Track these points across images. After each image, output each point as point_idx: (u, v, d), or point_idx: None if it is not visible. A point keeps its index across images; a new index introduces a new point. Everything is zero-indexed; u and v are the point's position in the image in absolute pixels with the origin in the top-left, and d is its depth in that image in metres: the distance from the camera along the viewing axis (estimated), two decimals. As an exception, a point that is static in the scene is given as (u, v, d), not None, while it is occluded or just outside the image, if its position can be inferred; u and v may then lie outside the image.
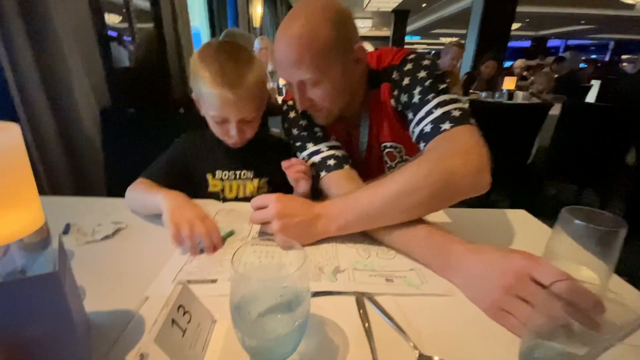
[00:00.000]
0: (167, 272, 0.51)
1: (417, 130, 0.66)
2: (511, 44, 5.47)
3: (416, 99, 0.66)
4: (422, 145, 0.65)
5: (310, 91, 0.69)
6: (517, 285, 0.40)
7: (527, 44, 14.28)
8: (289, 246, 0.44)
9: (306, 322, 0.35)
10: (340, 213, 0.57)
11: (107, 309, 0.44)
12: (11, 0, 0.94)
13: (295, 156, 0.79)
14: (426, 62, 0.69)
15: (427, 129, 0.63)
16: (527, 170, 2.22)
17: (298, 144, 0.79)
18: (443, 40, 16.52)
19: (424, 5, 9.80)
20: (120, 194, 0.78)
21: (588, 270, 0.40)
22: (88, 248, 0.58)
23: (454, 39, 4.60)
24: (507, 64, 6.19)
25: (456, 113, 0.61)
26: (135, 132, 1.17)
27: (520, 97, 3.07)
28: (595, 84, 3.91)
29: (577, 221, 0.38)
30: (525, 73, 5.01)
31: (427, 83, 0.66)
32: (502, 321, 0.42)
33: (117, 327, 0.41)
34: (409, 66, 0.70)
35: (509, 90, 3.06)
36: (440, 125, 0.61)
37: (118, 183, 1.13)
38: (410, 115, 0.68)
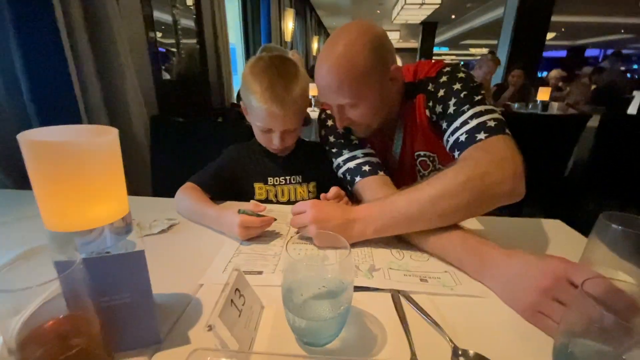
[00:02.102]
0: (218, 263, 0.57)
1: (452, 139, 0.68)
2: (546, 54, 5.29)
3: (451, 109, 0.69)
4: (456, 153, 0.67)
5: (349, 112, 0.74)
6: (555, 288, 0.41)
7: (562, 53, 13.71)
8: (329, 246, 0.47)
9: (349, 309, 0.38)
10: (377, 216, 0.60)
11: (168, 292, 0.50)
12: (81, 26, 1.07)
13: (331, 161, 0.84)
14: (462, 74, 0.72)
15: (462, 138, 0.65)
16: (563, 184, 2.14)
17: (334, 150, 0.83)
18: (472, 51, 16.20)
19: (453, 16, 9.74)
20: (165, 194, 0.86)
21: (625, 275, 0.41)
22: (146, 240, 0.65)
23: (485, 50, 4.53)
24: (542, 74, 5.99)
25: (491, 123, 0.63)
26: (179, 139, 1.26)
27: (555, 108, 2.97)
28: (637, 95, 3.71)
29: (614, 226, 0.39)
30: (560, 84, 4.83)
31: (462, 95, 0.68)
32: (539, 324, 0.43)
33: (178, 307, 0.46)
34: (444, 78, 0.72)
35: (543, 102, 2.97)
36: (476, 135, 0.63)
37: (163, 185, 1.24)
38: (444, 126, 0.71)
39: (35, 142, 0.32)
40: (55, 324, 0.34)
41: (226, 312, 0.37)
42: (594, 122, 1.99)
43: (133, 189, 1.33)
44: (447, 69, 0.74)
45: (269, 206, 0.78)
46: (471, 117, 0.65)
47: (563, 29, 10.16)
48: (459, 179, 0.56)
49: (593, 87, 3.89)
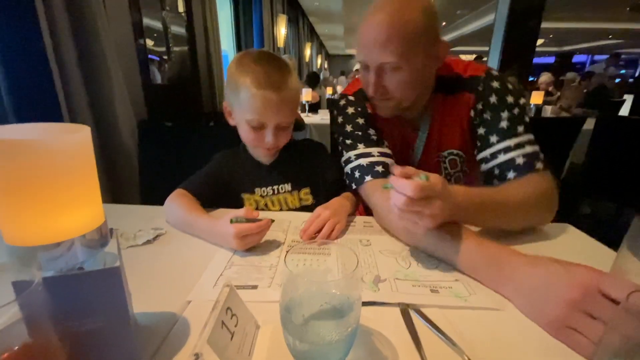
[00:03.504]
0: (208, 277, 0.52)
1: (504, 157, 0.68)
2: (534, 60, 5.38)
3: (504, 124, 0.69)
4: (511, 174, 0.67)
5: (387, 77, 0.69)
6: (585, 300, 0.37)
7: (551, 59, 13.99)
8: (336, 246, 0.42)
9: (357, 329, 0.34)
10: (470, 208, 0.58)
11: (151, 311, 0.44)
12: (65, 26, 1.02)
13: (341, 153, 0.78)
14: (510, 85, 0.72)
15: (520, 161, 0.67)
16: (560, 187, 2.13)
17: (348, 141, 0.76)
18: (463, 57, 16.48)
19: (443, 23, 9.89)
20: (154, 202, 0.81)
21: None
22: (130, 252, 0.60)
23: (474, 57, 4.57)
24: (531, 79, 6.07)
25: (541, 156, 0.67)
26: (169, 144, 1.21)
27: (549, 112, 2.99)
28: (628, 99, 3.77)
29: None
30: (550, 88, 4.89)
31: (515, 111, 0.69)
32: (567, 339, 0.38)
33: (162, 328, 0.41)
34: (496, 84, 0.72)
35: (536, 105, 2.98)
36: (535, 163, 0.66)
37: (151, 192, 1.18)
38: (492, 139, 0.71)
39: (-12, 140, 0.27)
40: (11, 356, 0.28)
41: (216, 336, 0.32)
42: (588, 125, 1.99)
43: (119, 197, 1.27)
44: (495, 72, 0.74)
45: (262, 213, 0.73)
46: (527, 143, 0.68)
47: (551, 35, 10.39)
48: (539, 201, 0.63)
49: (585, 90, 3.94)
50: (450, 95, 0.76)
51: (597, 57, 13.72)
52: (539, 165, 0.66)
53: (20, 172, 0.29)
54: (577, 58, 14.17)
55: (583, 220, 2.48)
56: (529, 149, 0.67)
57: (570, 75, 4.71)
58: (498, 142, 0.69)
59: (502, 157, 0.68)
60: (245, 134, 0.76)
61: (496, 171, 0.70)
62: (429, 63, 0.70)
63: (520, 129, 0.68)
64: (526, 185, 0.63)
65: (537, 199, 0.62)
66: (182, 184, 0.76)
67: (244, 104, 0.71)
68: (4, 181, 0.30)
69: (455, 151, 0.81)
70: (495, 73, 0.73)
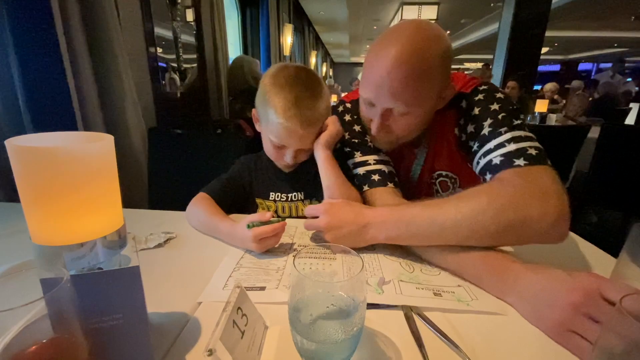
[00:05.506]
0: (217, 279, 0.53)
1: (484, 161, 0.62)
2: (540, 68, 5.38)
3: (485, 130, 0.63)
4: (488, 176, 0.61)
5: (393, 119, 0.65)
6: (587, 304, 0.38)
7: (556, 67, 13.98)
8: (343, 251, 0.43)
9: (362, 329, 0.35)
10: (394, 226, 0.56)
11: (163, 311, 0.46)
12: (81, 36, 1.07)
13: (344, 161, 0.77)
14: (500, 94, 0.66)
15: (497, 161, 0.59)
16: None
17: (347, 149, 0.76)
18: (467, 65, 16.54)
19: (448, 32, 9.93)
20: (162, 207, 0.84)
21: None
22: (142, 255, 0.62)
23: (479, 64, 4.57)
24: (537, 87, 6.07)
25: (533, 152, 0.57)
26: (177, 151, 1.24)
27: (553, 120, 3.00)
28: (635, 107, 3.75)
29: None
30: (555, 96, 4.90)
31: (500, 116, 0.63)
32: (568, 343, 0.39)
33: (174, 328, 0.43)
34: (480, 96, 0.67)
35: (541, 113, 2.99)
36: (514, 160, 0.56)
37: (160, 197, 1.21)
38: (475, 147, 0.65)
39: (22, 147, 0.30)
40: (38, 350, 0.30)
41: (227, 335, 0.34)
42: (593, 133, 1.99)
43: (129, 202, 1.30)
44: (484, 87, 0.68)
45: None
46: (509, 141, 0.59)
47: (556, 44, 10.40)
48: (490, 207, 0.49)
49: (590, 99, 3.94)
50: (440, 114, 0.72)
51: (602, 65, 13.67)
52: (520, 161, 0.55)
53: (48, 177, 0.32)
54: (582, 66, 14.13)
55: (589, 228, 2.46)
56: (511, 146, 0.58)
57: (575, 83, 4.71)
58: (479, 147, 0.64)
59: (482, 162, 0.62)
60: (267, 147, 0.77)
61: (480, 178, 0.65)
62: (436, 105, 0.67)
63: (503, 129, 0.61)
64: (488, 194, 0.52)
65: (501, 205, 0.49)
66: (204, 188, 0.78)
67: (270, 124, 0.71)
68: (34, 185, 0.32)
69: (444, 172, 0.78)
70: (482, 87, 0.68)
